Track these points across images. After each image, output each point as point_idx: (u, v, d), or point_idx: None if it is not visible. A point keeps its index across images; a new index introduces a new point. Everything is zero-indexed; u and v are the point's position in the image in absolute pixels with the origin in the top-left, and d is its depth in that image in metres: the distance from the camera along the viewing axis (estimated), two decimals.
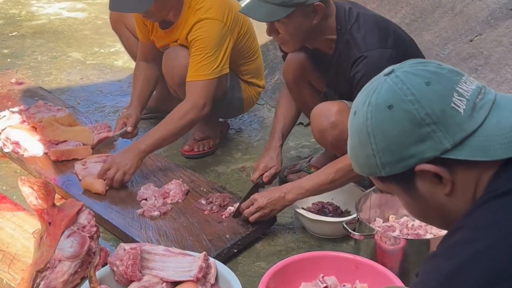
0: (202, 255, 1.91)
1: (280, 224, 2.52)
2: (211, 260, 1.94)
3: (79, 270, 2.05)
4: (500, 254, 0.97)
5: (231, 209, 2.49)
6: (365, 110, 1.12)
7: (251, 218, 2.35)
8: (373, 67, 2.20)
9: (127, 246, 1.93)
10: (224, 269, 1.95)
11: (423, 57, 2.49)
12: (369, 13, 2.38)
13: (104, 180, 2.60)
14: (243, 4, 2.75)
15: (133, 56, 3.34)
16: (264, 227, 2.45)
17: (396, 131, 1.08)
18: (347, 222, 2.19)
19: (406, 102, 1.08)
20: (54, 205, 2.11)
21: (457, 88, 1.08)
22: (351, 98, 2.35)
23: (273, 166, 2.57)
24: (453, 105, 1.06)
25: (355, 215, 2.27)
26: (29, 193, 2.11)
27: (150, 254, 1.91)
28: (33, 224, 2.33)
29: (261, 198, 2.35)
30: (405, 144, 1.08)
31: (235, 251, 2.32)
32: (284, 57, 2.68)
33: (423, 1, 3.66)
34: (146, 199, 2.56)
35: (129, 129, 2.87)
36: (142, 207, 2.51)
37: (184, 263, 1.90)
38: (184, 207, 2.54)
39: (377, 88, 1.13)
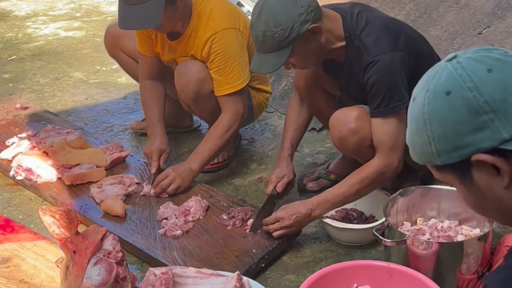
0: (235, 275, 1.87)
1: (305, 235, 2.47)
2: (245, 279, 1.90)
3: None
4: None
5: (252, 221, 2.45)
6: (423, 96, 1.09)
7: (275, 234, 2.32)
8: (386, 70, 2.18)
9: (157, 270, 1.88)
10: (258, 287, 1.90)
11: (436, 54, 2.46)
12: (378, 16, 2.35)
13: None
14: (244, 10, 2.74)
15: (136, 79, 3.29)
16: (290, 239, 2.40)
17: (452, 118, 1.04)
18: (376, 229, 2.15)
19: (464, 89, 1.04)
20: (77, 232, 2.06)
21: None
22: (365, 102, 2.34)
23: (285, 175, 2.54)
24: None
25: (382, 220, 2.23)
26: (51, 222, 2.06)
27: (182, 277, 1.87)
28: (55, 253, 2.29)
29: (287, 215, 2.31)
30: (462, 133, 1.04)
31: (263, 265, 2.28)
32: None
33: None
34: (166, 218, 2.52)
35: (162, 165, 2.81)
36: (163, 227, 2.46)
37: (218, 285, 1.86)
38: (206, 224, 2.50)
39: (436, 74, 1.09)
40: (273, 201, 2.49)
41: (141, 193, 2.70)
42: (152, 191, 2.68)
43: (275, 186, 2.50)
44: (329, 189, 2.38)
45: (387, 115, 2.21)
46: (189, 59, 2.77)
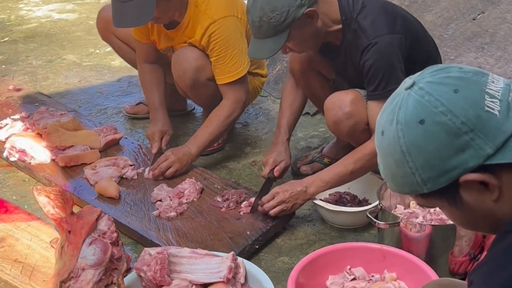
0: (230, 255, 1.88)
1: (299, 217, 2.49)
2: (239, 259, 1.91)
3: (103, 277, 2.01)
4: None
5: (246, 203, 2.47)
6: (395, 129, 1.07)
7: (272, 212, 2.32)
8: (383, 53, 2.19)
9: (152, 250, 1.89)
10: (253, 268, 1.92)
11: (433, 42, 2.47)
12: (374, 0, 2.35)
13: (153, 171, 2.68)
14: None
15: (129, 62, 3.29)
16: (284, 221, 2.42)
17: (433, 145, 1.03)
18: (370, 211, 2.16)
19: (437, 114, 1.02)
20: (72, 213, 2.07)
21: (486, 90, 1.03)
22: (360, 85, 2.35)
23: (283, 160, 2.55)
24: (487, 108, 1.01)
25: (375, 204, 2.24)
26: (46, 203, 2.07)
27: (177, 257, 1.88)
28: (50, 233, 2.29)
29: (283, 192, 2.32)
30: (445, 157, 1.03)
31: (257, 247, 2.29)
32: None
33: None
34: (161, 200, 2.52)
35: (164, 147, 2.82)
36: (157, 209, 2.47)
37: (213, 264, 1.87)
38: (200, 206, 2.51)
39: (402, 104, 1.07)
40: (270, 183, 2.50)
41: (144, 176, 2.70)
42: (151, 173, 2.69)
43: (272, 169, 2.51)
44: (324, 169, 2.39)
45: (384, 97, 2.19)
46: (186, 46, 2.76)
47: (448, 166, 1.03)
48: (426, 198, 1.10)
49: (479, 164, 1.01)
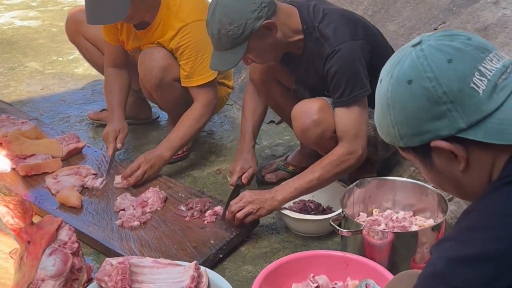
0: (192, 264, 1.87)
1: (263, 226, 2.49)
2: (202, 268, 1.90)
3: None
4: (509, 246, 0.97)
5: (211, 212, 2.45)
6: (388, 82, 1.13)
7: (239, 214, 2.31)
8: (347, 59, 2.22)
9: (114, 260, 1.86)
10: (215, 277, 1.91)
11: (391, 48, 2.51)
12: (333, 7, 2.39)
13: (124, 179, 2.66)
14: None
15: (95, 65, 3.27)
16: (248, 229, 2.41)
17: (413, 106, 1.09)
18: (333, 219, 2.17)
19: (425, 79, 1.08)
20: (32, 223, 2.03)
21: (479, 67, 1.06)
22: (322, 94, 2.37)
23: (250, 167, 2.56)
24: (472, 85, 1.05)
25: (339, 212, 2.26)
26: (5, 212, 2.02)
27: (139, 267, 1.85)
28: (9, 244, 2.25)
29: (250, 194, 2.34)
30: (422, 120, 1.09)
31: (221, 256, 2.28)
32: None
33: None
34: (124, 209, 2.50)
35: (119, 146, 2.79)
36: (120, 218, 2.44)
37: (175, 274, 1.85)
38: (164, 215, 2.49)
39: (401, 60, 1.12)
40: (239, 191, 2.50)
41: (115, 184, 2.67)
42: (125, 182, 2.65)
43: (240, 177, 2.51)
44: (293, 177, 2.40)
45: (350, 103, 2.24)
46: (154, 45, 2.75)
47: (422, 129, 1.09)
48: (404, 151, 1.17)
49: (450, 135, 1.07)
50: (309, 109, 2.32)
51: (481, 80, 1.05)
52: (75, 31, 3.13)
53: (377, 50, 2.31)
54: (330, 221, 2.15)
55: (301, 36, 2.30)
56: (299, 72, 2.46)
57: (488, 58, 1.08)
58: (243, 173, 2.54)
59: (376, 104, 1.20)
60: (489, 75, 1.06)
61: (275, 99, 2.64)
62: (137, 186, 2.65)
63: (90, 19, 2.62)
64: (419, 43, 1.11)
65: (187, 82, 2.77)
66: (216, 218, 2.43)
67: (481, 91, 1.05)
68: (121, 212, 2.49)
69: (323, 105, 2.32)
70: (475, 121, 1.05)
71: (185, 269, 1.87)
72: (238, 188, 2.52)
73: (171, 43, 2.71)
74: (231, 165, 2.63)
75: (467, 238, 1.01)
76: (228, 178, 2.64)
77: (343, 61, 2.22)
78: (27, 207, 2.03)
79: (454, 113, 1.05)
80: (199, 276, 1.86)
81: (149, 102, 3.34)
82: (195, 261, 1.89)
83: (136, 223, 2.41)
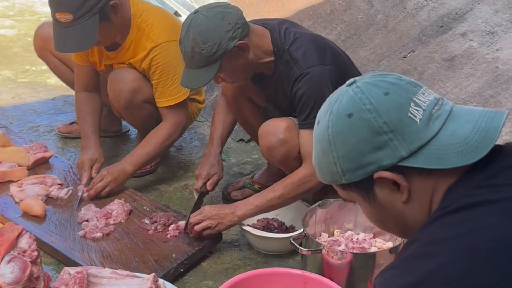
0: (151, 276, 1.88)
1: (226, 242, 2.51)
2: (160, 281, 1.91)
3: None
4: (453, 272, 0.98)
5: (174, 226, 2.46)
6: (327, 119, 1.16)
7: (197, 227, 2.33)
8: (315, 83, 2.26)
9: (72, 270, 1.87)
10: None
11: (359, 73, 2.57)
12: (304, 32, 2.44)
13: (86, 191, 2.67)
14: (180, 19, 2.78)
15: (64, 81, 3.27)
16: (210, 245, 2.43)
17: (355, 138, 1.12)
18: (294, 238, 2.20)
19: (364, 111, 1.11)
20: None
21: (414, 99, 1.11)
22: (291, 113, 2.41)
23: (216, 173, 2.60)
24: (410, 114, 1.10)
25: (301, 231, 2.28)
26: None
27: (97, 277, 1.86)
28: None
29: (210, 209, 2.36)
30: (364, 152, 1.11)
31: (182, 270, 2.29)
32: None
33: (357, 18, 3.75)
34: (87, 221, 2.50)
35: (94, 175, 2.75)
36: (83, 229, 2.44)
37: (133, 286, 1.86)
38: (128, 227, 2.49)
39: (338, 98, 1.17)
40: (203, 199, 2.52)
41: (79, 196, 2.66)
42: (86, 194, 2.65)
43: (205, 183, 2.53)
44: (255, 194, 2.43)
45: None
46: (125, 66, 2.77)
47: (365, 160, 1.11)
48: (345, 189, 1.18)
49: (392, 164, 1.09)
50: (276, 128, 2.36)
51: (417, 110, 1.10)
52: (43, 47, 3.12)
53: (345, 77, 2.34)
54: (291, 239, 2.18)
55: (272, 58, 2.34)
56: (268, 92, 2.50)
57: (421, 91, 1.13)
58: (208, 179, 2.57)
59: (314, 145, 1.22)
60: (424, 105, 1.11)
61: (244, 115, 2.68)
62: (100, 198, 2.65)
63: (58, 47, 2.61)
64: (353, 82, 1.17)
65: (158, 103, 2.78)
66: (179, 233, 2.44)
67: (418, 120, 1.10)
68: (85, 223, 2.49)
69: (290, 125, 2.35)
70: (415, 148, 1.09)
71: (143, 281, 1.88)
72: (202, 196, 2.54)
73: (143, 63, 2.73)
74: (197, 170, 2.65)
75: (411, 265, 1.03)
76: (194, 194, 2.66)
77: (311, 84, 2.27)
78: None
79: (395, 142, 1.09)
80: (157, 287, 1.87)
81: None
82: (153, 274, 1.90)
83: (99, 234, 2.41)
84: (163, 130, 2.77)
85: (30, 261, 2.00)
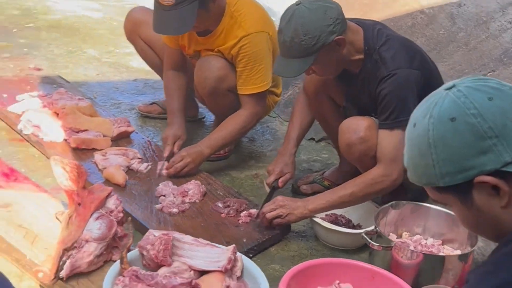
0: (231, 247, 1.96)
1: (294, 231, 2.57)
2: (238, 254, 1.99)
3: (104, 252, 2.07)
4: None
5: (246, 213, 2.55)
6: (426, 122, 1.17)
7: (268, 215, 2.41)
8: (400, 85, 2.30)
9: (156, 232, 1.97)
10: (250, 264, 2.00)
11: (443, 82, 2.60)
12: (397, 35, 2.49)
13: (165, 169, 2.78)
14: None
15: (149, 64, 3.40)
16: (280, 235, 2.50)
17: (458, 142, 1.13)
18: (366, 232, 2.25)
19: (469, 115, 1.12)
20: (84, 187, 2.14)
21: None
22: (370, 114, 2.46)
23: (289, 172, 2.67)
24: None
25: (372, 228, 2.33)
26: (61, 174, 2.15)
27: (180, 242, 1.95)
28: (55, 206, 2.36)
29: (283, 199, 2.44)
30: (467, 156, 1.12)
31: (251, 256, 2.34)
32: None
33: (439, 34, 3.78)
34: (164, 195, 2.60)
35: (175, 150, 2.88)
36: (161, 203, 2.55)
37: (213, 254, 1.95)
38: (202, 208, 2.59)
39: (438, 102, 1.17)
40: (273, 193, 2.60)
41: (157, 173, 2.78)
42: (165, 171, 2.78)
43: (277, 179, 2.61)
44: (326, 191, 2.49)
45: (394, 127, 2.32)
46: (213, 54, 2.87)
47: (467, 164, 1.12)
48: (441, 192, 1.19)
49: (495, 169, 1.11)
50: (357, 126, 2.41)
51: None
52: (132, 31, 3.27)
53: (429, 84, 2.38)
54: (363, 233, 2.23)
55: (362, 56, 2.40)
56: (352, 90, 2.56)
57: None
58: (280, 177, 2.64)
59: (409, 147, 1.23)
60: None
61: (323, 113, 2.74)
62: (178, 177, 2.75)
63: (157, 29, 2.74)
64: (453, 86, 1.18)
65: (240, 90, 2.88)
66: (250, 220, 2.52)
67: None
68: (162, 197, 2.60)
69: (371, 124, 2.41)
70: None
71: (223, 251, 1.96)
72: (273, 190, 2.62)
73: (232, 50, 2.82)
74: (270, 165, 2.72)
75: (505, 264, 1.06)
76: (265, 183, 2.74)
77: (396, 85, 2.31)
78: (82, 172, 2.15)
79: (500, 147, 1.10)
80: (235, 260, 1.95)
81: (197, 101, 3.48)
82: (233, 245, 1.98)
83: (175, 210, 2.52)
84: (241, 117, 2.86)
85: (116, 221, 2.11)
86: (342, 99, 2.67)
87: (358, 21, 2.46)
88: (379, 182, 2.35)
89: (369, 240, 2.19)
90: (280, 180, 2.63)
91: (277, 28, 2.47)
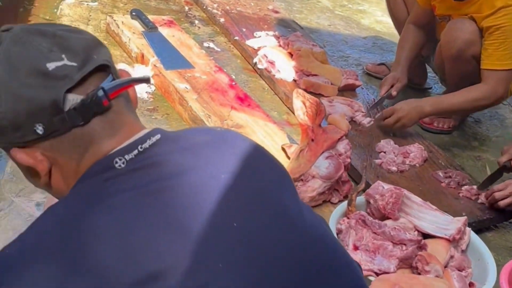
0: (463, 218, 1.87)
1: None
2: (468, 228, 1.89)
3: (326, 192, 2.09)
4: None
5: (468, 188, 2.42)
6: None
7: (501, 203, 2.24)
8: None
9: (386, 185, 1.93)
10: (477, 240, 1.90)
11: None
12: None
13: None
14: None
15: (395, 19, 3.30)
16: (501, 218, 2.34)
17: None
18: None
19: None
20: (319, 125, 2.16)
21: None
22: None
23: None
24: None
25: None
26: (299, 107, 2.18)
27: (409, 200, 1.90)
28: (283, 138, 2.42)
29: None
30: None
31: None
32: None
33: None
34: (385, 152, 2.55)
35: (394, 93, 2.86)
36: (380, 159, 2.51)
37: (442, 220, 1.87)
38: (421, 173, 2.50)
39: None
40: (502, 173, 2.42)
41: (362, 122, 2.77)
42: (372, 123, 2.74)
43: (510, 160, 2.43)
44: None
45: None
46: (466, 18, 2.73)
47: None
48: None
49: None
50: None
51: None
52: None
53: None
54: None
55: None
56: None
57: None
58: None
59: None
60: None
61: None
62: (397, 137, 2.69)
63: None
64: None
65: (483, 64, 2.70)
66: (471, 195, 2.38)
67: None
68: (382, 153, 2.55)
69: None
70: None
71: (453, 220, 1.87)
72: (502, 170, 2.43)
73: (485, 21, 2.65)
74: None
75: None
76: (487, 167, 2.57)
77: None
78: (321, 109, 2.16)
79: None
80: (464, 232, 1.85)
81: (427, 71, 3.35)
82: (465, 217, 1.89)
83: (394, 168, 2.46)
84: (479, 89, 2.69)
85: (343, 165, 2.11)
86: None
87: None
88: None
89: None
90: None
91: None
